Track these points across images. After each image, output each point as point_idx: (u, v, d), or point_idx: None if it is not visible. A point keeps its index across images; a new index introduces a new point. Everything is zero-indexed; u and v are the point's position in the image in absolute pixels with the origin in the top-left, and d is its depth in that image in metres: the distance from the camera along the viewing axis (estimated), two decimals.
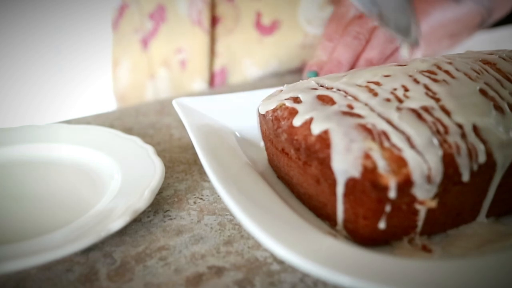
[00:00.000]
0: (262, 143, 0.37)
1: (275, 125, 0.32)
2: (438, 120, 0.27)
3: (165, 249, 0.30)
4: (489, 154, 0.27)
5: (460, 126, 0.27)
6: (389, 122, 0.27)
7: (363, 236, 0.28)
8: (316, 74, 0.47)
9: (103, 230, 0.28)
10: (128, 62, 0.71)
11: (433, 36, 0.58)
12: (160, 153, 0.41)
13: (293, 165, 0.31)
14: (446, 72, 0.31)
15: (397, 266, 0.24)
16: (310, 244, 0.26)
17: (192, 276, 0.27)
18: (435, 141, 0.26)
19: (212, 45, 0.66)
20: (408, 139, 0.26)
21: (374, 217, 0.26)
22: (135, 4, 0.67)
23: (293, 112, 0.30)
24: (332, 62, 0.46)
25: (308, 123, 0.29)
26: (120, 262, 0.29)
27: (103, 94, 0.78)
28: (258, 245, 0.30)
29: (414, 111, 0.28)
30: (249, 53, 0.66)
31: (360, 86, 0.31)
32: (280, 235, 0.24)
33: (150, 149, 0.38)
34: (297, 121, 0.30)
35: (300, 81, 0.35)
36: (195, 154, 0.42)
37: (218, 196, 0.35)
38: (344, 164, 0.26)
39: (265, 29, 0.64)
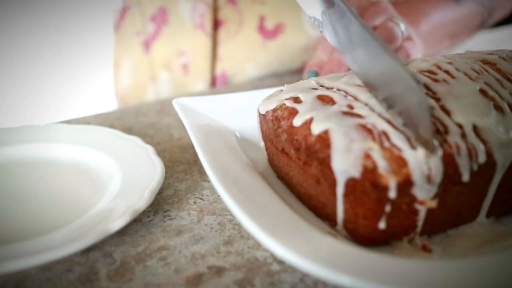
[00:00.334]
0: (262, 143, 0.37)
1: (275, 125, 0.32)
2: (438, 120, 0.27)
3: (165, 249, 0.30)
4: (489, 154, 0.27)
5: (460, 126, 0.27)
6: (389, 122, 0.27)
7: (363, 236, 0.28)
8: (316, 74, 0.47)
9: (103, 230, 0.28)
10: (129, 64, 0.71)
11: (434, 36, 0.58)
12: (160, 153, 0.41)
13: (293, 165, 0.31)
14: (446, 72, 0.31)
15: (397, 266, 0.24)
16: (310, 244, 0.26)
17: (192, 276, 0.27)
18: (435, 141, 0.26)
19: (215, 49, 0.66)
20: (408, 139, 0.26)
21: (374, 217, 0.26)
22: (137, 7, 0.67)
23: (293, 112, 0.30)
24: (332, 62, 0.46)
25: (308, 123, 0.29)
26: (120, 262, 0.29)
27: (103, 95, 0.78)
28: (258, 245, 0.30)
29: None
30: (252, 58, 0.66)
31: (360, 86, 0.31)
32: (280, 235, 0.24)
33: (150, 149, 0.38)
34: (297, 121, 0.30)
35: (300, 81, 0.35)
36: (195, 154, 0.42)
37: (218, 196, 0.35)
38: (344, 164, 0.26)
39: (269, 33, 0.64)
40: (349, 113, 0.28)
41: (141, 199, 0.31)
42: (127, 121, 0.50)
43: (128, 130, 0.47)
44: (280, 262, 0.28)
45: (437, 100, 0.29)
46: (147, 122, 0.50)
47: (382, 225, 0.26)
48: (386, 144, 0.26)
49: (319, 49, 0.49)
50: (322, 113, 0.29)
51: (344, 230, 0.28)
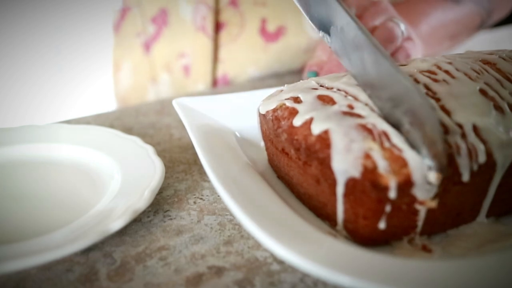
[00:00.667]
0: (262, 143, 0.37)
1: (275, 125, 0.32)
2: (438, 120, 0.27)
3: (165, 249, 0.30)
4: (489, 154, 0.27)
5: (460, 126, 0.27)
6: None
7: (363, 236, 0.28)
8: (316, 74, 0.47)
9: (103, 230, 0.28)
10: (129, 65, 0.71)
11: (434, 37, 0.58)
12: (160, 153, 0.41)
13: (293, 165, 0.31)
14: (446, 72, 0.31)
15: (397, 266, 0.24)
16: (310, 244, 0.26)
17: (192, 276, 0.27)
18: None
19: (216, 51, 0.66)
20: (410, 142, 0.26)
21: (374, 217, 0.26)
22: (137, 8, 0.67)
23: (293, 112, 0.30)
24: (332, 62, 0.46)
25: (308, 123, 0.29)
26: (120, 262, 0.29)
27: (103, 95, 0.78)
28: (258, 245, 0.30)
29: None
30: (253, 60, 0.65)
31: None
32: (280, 235, 0.24)
33: (150, 149, 0.38)
34: (297, 121, 0.30)
35: (301, 81, 0.35)
36: (195, 154, 0.42)
37: (218, 196, 0.35)
38: (344, 164, 0.26)
39: (270, 35, 0.64)
40: (349, 113, 0.28)
41: (141, 199, 0.31)
42: (127, 121, 0.50)
43: (128, 130, 0.47)
44: (280, 262, 0.28)
45: (437, 100, 0.29)
46: (147, 122, 0.50)
47: (382, 225, 0.26)
48: (386, 144, 0.26)
49: (319, 49, 0.49)
50: (322, 113, 0.29)
51: (344, 230, 0.28)
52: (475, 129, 0.27)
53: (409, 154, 0.25)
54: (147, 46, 0.68)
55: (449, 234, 0.29)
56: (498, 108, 0.29)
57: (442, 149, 0.25)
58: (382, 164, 0.25)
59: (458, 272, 0.23)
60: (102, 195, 0.34)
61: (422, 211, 0.27)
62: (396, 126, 0.27)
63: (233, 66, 0.66)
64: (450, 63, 0.32)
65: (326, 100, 0.30)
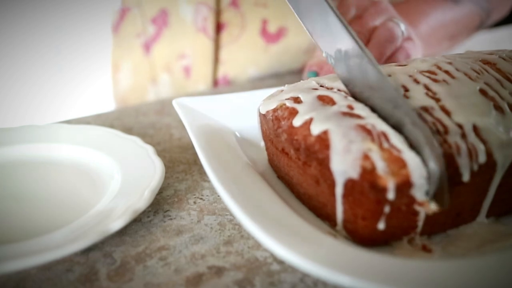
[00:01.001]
0: (262, 143, 0.37)
1: (275, 125, 0.32)
2: (438, 120, 0.27)
3: (165, 249, 0.30)
4: (489, 154, 0.27)
5: (460, 126, 0.27)
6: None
7: (362, 236, 0.27)
8: (316, 74, 0.47)
9: (103, 230, 0.28)
10: (129, 66, 0.70)
11: (433, 37, 0.58)
12: (160, 153, 0.41)
13: (293, 165, 0.31)
14: (446, 72, 0.31)
15: (397, 266, 0.24)
16: (310, 244, 0.26)
17: (192, 276, 0.27)
18: (435, 141, 0.26)
19: (217, 52, 0.66)
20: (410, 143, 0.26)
21: (373, 218, 0.26)
22: (137, 8, 0.67)
23: (293, 112, 0.30)
24: None
25: (308, 123, 0.29)
26: (120, 262, 0.29)
27: (103, 95, 0.78)
28: (258, 245, 0.30)
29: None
30: (254, 61, 0.65)
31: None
32: (280, 235, 0.24)
33: (150, 149, 0.38)
34: (297, 121, 0.30)
35: (301, 81, 0.35)
36: (195, 154, 0.42)
37: (218, 196, 0.35)
38: (343, 165, 0.26)
39: (271, 36, 0.64)
40: (349, 113, 0.28)
41: (141, 199, 0.31)
42: (127, 121, 0.50)
43: (128, 130, 0.47)
44: (280, 262, 0.28)
45: (437, 100, 0.29)
46: (147, 122, 0.50)
47: (381, 226, 0.26)
48: (385, 145, 0.26)
49: (319, 49, 0.49)
50: (321, 114, 0.29)
51: (343, 230, 0.28)
52: (475, 129, 0.27)
53: (408, 155, 0.25)
54: (147, 47, 0.68)
55: (449, 234, 0.29)
56: (498, 108, 0.29)
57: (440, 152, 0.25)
58: (380, 165, 0.25)
59: (458, 272, 0.23)
60: (102, 195, 0.34)
61: (421, 212, 0.27)
62: (398, 127, 0.27)
63: (234, 67, 0.66)
64: (450, 63, 0.32)
65: (326, 101, 0.30)
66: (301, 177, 0.30)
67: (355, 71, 0.30)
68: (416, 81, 0.30)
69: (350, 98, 0.30)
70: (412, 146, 0.26)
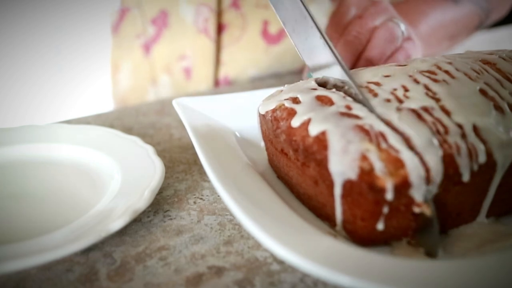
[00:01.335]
0: (262, 143, 0.37)
1: (274, 125, 0.32)
2: (438, 120, 0.27)
3: (165, 249, 0.30)
4: (489, 154, 0.27)
5: (460, 126, 0.27)
6: (388, 123, 0.27)
7: (362, 237, 0.27)
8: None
9: (103, 230, 0.28)
10: (129, 66, 0.70)
11: (433, 37, 0.58)
12: (160, 153, 0.41)
13: (292, 166, 0.31)
14: (446, 72, 0.31)
15: (397, 266, 0.24)
16: (310, 244, 0.25)
17: (192, 276, 0.27)
18: (435, 141, 0.26)
19: (218, 53, 0.65)
20: (407, 140, 0.26)
21: (372, 218, 0.26)
22: (137, 8, 0.66)
23: (292, 113, 0.30)
24: None
25: (306, 124, 0.29)
26: (120, 262, 0.29)
27: (103, 95, 0.78)
28: (258, 245, 0.30)
29: (414, 111, 0.28)
30: (254, 62, 0.65)
31: (360, 86, 0.31)
32: (280, 235, 0.24)
33: (150, 149, 0.38)
34: (295, 122, 0.30)
35: (300, 81, 0.35)
36: (195, 154, 0.42)
37: (218, 196, 0.35)
38: (341, 165, 0.26)
39: (272, 38, 0.64)
40: (347, 114, 0.28)
41: (141, 199, 0.31)
42: (127, 121, 0.50)
43: (128, 130, 0.47)
44: (280, 262, 0.28)
45: (437, 100, 0.29)
46: (147, 122, 0.50)
47: (380, 226, 0.26)
48: (383, 145, 0.26)
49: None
50: (320, 114, 0.29)
51: (343, 230, 0.28)
52: (475, 129, 0.27)
53: (406, 155, 0.25)
54: (147, 48, 0.68)
55: (449, 234, 0.29)
56: (498, 108, 0.29)
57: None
58: (378, 166, 0.25)
59: (458, 272, 0.23)
60: (102, 195, 0.34)
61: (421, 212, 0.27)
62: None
63: (234, 68, 0.66)
64: (450, 63, 0.32)
65: (325, 101, 0.30)
66: (300, 177, 0.30)
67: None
68: (416, 81, 0.30)
69: (349, 98, 0.30)
70: (411, 146, 0.26)
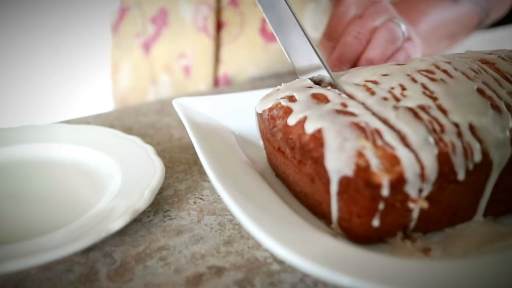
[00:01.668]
0: (261, 142, 0.37)
1: (271, 124, 0.32)
2: (435, 119, 0.27)
3: (165, 249, 0.30)
4: (485, 153, 0.27)
5: (456, 125, 0.27)
6: (385, 121, 0.27)
7: (357, 234, 0.28)
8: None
9: (103, 230, 0.28)
10: (129, 66, 0.70)
11: (433, 36, 0.58)
12: (160, 153, 0.41)
13: (289, 164, 0.31)
14: (444, 71, 0.31)
15: (397, 266, 0.24)
16: (310, 244, 0.26)
17: (192, 276, 0.27)
18: (431, 139, 0.26)
19: (217, 51, 0.66)
20: (403, 138, 0.26)
21: (368, 215, 0.26)
22: (136, 8, 0.67)
23: (288, 111, 0.31)
24: (332, 62, 0.46)
25: (302, 122, 0.29)
26: (120, 262, 0.29)
27: (102, 95, 0.78)
28: (258, 245, 0.30)
29: (410, 110, 0.28)
30: (253, 60, 0.65)
31: (358, 85, 0.31)
32: (280, 235, 0.24)
33: (150, 149, 0.38)
34: (291, 120, 0.30)
35: (297, 79, 0.35)
36: (195, 154, 0.42)
37: (218, 196, 0.35)
38: (337, 163, 0.26)
39: (271, 35, 0.64)
40: (343, 111, 0.28)
41: (141, 199, 0.31)
42: (127, 121, 0.50)
43: (128, 130, 0.47)
44: (280, 262, 0.28)
45: (434, 99, 0.29)
46: (147, 122, 0.50)
47: (376, 223, 0.26)
48: (379, 142, 0.26)
49: (319, 49, 0.49)
50: (315, 112, 0.29)
51: (339, 228, 0.28)
52: (472, 128, 0.27)
53: (402, 152, 0.25)
54: (146, 47, 0.68)
55: (449, 234, 0.29)
56: (495, 107, 0.29)
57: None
58: (374, 162, 0.25)
59: (458, 272, 0.23)
60: (102, 195, 0.34)
61: (416, 209, 0.27)
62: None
63: (233, 66, 0.66)
64: (448, 62, 0.32)
65: (320, 99, 0.30)
66: (297, 175, 0.31)
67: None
68: (414, 80, 0.30)
69: (344, 96, 0.30)
70: (406, 144, 0.26)
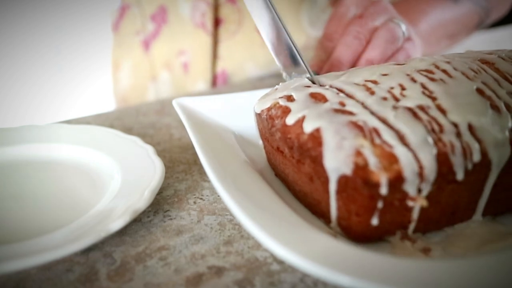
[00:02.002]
0: (260, 142, 0.37)
1: (269, 123, 0.32)
2: (434, 119, 0.27)
3: (165, 249, 0.30)
4: (484, 153, 0.27)
5: (455, 125, 0.27)
6: (384, 120, 0.27)
7: (356, 232, 0.28)
8: (316, 74, 0.47)
9: (103, 230, 0.28)
10: (129, 64, 0.71)
11: (433, 36, 0.58)
12: (160, 153, 0.41)
13: (287, 163, 0.31)
14: (444, 71, 0.31)
15: (397, 266, 0.24)
16: (310, 244, 0.26)
17: (192, 276, 0.27)
18: (430, 139, 0.26)
19: (215, 48, 0.66)
20: (402, 137, 0.26)
21: (367, 213, 0.26)
22: (136, 6, 0.67)
23: (286, 111, 0.31)
24: (332, 62, 0.46)
25: (300, 121, 0.29)
26: (120, 262, 0.29)
27: (103, 95, 0.78)
28: (258, 245, 0.30)
29: (410, 109, 0.28)
30: (251, 57, 0.65)
31: (357, 84, 0.31)
32: (280, 235, 0.24)
33: (150, 149, 0.38)
34: (290, 120, 0.30)
35: (294, 78, 0.35)
36: (195, 154, 0.42)
37: (218, 196, 0.35)
38: (336, 161, 0.26)
39: None
40: (341, 110, 0.28)
41: (141, 199, 0.31)
42: (127, 121, 0.50)
43: (128, 130, 0.47)
44: (280, 262, 0.28)
45: (433, 99, 0.29)
46: (147, 122, 0.50)
47: (374, 221, 0.27)
48: (377, 141, 0.26)
49: (318, 48, 0.49)
50: (314, 111, 0.29)
51: (338, 227, 0.28)
52: (471, 128, 0.27)
53: (400, 150, 0.25)
54: (146, 44, 0.68)
55: (449, 234, 0.29)
56: (494, 107, 0.29)
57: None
58: (373, 161, 0.25)
59: (458, 272, 0.23)
60: (102, 195, 0.34)
61: (415, 207, 0.27)
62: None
63: (232, 63, 0.66)
64: (448, 62, 0.32)
65: (318, 98, 0.30)
66: (296, 175, 0.31)
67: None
68: (413, 80, 0.30)
69: (342, 95, 0.30)
70: (405, 144, 0.26)
